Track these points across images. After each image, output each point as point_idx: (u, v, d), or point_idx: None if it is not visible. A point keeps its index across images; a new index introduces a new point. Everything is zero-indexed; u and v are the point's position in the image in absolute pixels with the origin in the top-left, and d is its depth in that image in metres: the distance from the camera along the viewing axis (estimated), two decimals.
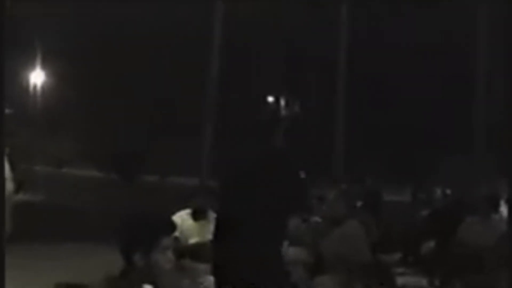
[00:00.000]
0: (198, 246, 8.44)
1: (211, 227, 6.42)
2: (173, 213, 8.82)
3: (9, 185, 7.76)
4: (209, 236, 6.70)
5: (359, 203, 13.38)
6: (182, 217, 8.86)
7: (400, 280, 10.57)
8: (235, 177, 6.19)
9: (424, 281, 11.45)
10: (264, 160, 6.19)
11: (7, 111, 7.78)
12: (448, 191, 15.10)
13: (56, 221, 16.82)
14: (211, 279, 6.49)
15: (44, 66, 41.28)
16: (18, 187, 8.07)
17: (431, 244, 11.78)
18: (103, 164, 40.00)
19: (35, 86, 41.81)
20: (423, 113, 33.44)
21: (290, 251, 9.27)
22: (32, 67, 41.29)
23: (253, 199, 6.05)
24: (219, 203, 6.25)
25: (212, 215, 7.99)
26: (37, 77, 41.85)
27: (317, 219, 10.41)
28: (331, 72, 30.21)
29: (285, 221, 6.31)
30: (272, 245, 6.11)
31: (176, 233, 8.68)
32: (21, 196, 9.40)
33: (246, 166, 6.21)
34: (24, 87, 40.94)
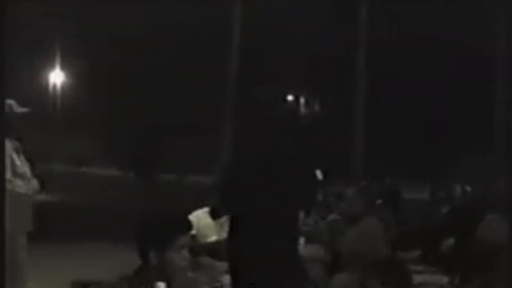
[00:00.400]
0: (215, 244, 8.42)
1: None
2: (190, 211, 8.82)
3: (33, 183, 7.78)
4: (225, 234, 6.70)
5: (378, 201, 13.32)
6: (199, 216, 8.84)
7: (419, 278, 10.51)
8: (247, 175, 6.18)
9: (443, 279, 11.38)
10: (274, 158, 6.17)
11: (24, 109, 7.79)
12: (468, 189, 14.98)
13: (74, 220, 16.84)
14: (228, 277, 6.48)
15: (63, 66, 41.45)
16: (42, 186, 8.08)
17: (450, 241, 11.69)
18: (122, 163, 40.10)
19: (54, 86, 41.99)
20: (442, 111, 33.32)
21: (308, 249, 9.24)
22: (52, 67, 41.47)
23: (265, 197, 6.03)
24: (232, 201, 6.22)
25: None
26: (56, 77, 42.02)
27: (335, 216, 10.38)
28: (351, 71, 30.14)
29: (297, 219, 6.28)
30: (287, 243, 6.08)
31: (194, 232, 8.67)
32: (42, 196, 9.42)
33: (257, 165, 6.19)
34: (43, 86, 41.13)
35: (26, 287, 7.64)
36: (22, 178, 7.69)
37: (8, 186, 7.37)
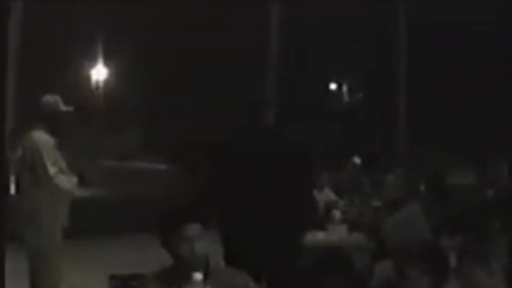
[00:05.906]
0: None
1: None
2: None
3: (73, 179, 7.81)
4: None
5: (422, 186, 13.15)
6: None
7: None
8: (245, 165, 6.15)
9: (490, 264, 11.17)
10: (275, 149, 6.14)
11: (69, 108, 7.82)
12: None
13: (117, 213, 16.86)
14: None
15: (106, 63, 41.75)
16: (80, 181, 8.12)
17: (496, 226, 11.49)
18: (166, 157, 40.25)
19: (97, 82, 42.31)
20: (487, 89, 32.78)
21: (351, 237, 9.18)
22: (94, 62, 41.78)
23: (266, 187, 6.01)
24: (238, 192, 6.19)
25: None
26: (99, 73, 42.34)
27: (376, 203, 10.30)
28: (392, 57, 29.89)
29: (297, 210, 6.23)
30: (288, 233, 6.03)
31: None
32: (84, 191, 9.45)
33: (256, 155, 6.16)
34: (86, 82, 41.47)
35: (62, 281, 7.70)
36: (65, 174, 7.75)
37: (55, 181, 7.45)
